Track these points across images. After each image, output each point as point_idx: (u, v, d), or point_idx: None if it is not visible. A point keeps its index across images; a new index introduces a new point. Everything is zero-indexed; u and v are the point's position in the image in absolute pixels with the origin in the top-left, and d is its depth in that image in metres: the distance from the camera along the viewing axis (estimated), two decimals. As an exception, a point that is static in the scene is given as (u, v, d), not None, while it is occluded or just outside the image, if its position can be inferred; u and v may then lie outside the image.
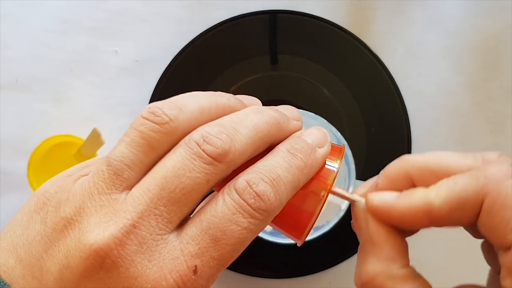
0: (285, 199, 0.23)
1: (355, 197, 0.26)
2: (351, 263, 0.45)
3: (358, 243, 0.45)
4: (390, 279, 0.23)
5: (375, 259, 0.24)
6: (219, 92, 0.26)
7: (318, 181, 0.25)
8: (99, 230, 0.21)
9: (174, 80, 0.46)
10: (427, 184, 0.24)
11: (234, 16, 0.46)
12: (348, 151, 0.40)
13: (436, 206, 0.23)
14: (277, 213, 0.23)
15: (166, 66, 0.46)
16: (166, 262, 0.21)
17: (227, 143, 0.22)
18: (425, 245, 0.44)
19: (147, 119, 0.23)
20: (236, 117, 0.24)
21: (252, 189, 0.22)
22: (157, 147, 0.23)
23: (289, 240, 0.40)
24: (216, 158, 0.22)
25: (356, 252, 0.44)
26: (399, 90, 0.46)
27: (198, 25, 0.46)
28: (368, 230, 0.25)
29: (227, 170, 0.23)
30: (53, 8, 0.46)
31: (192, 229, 0.22)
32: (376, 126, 0.45)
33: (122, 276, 0.21)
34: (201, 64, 0.46)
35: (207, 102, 0.24)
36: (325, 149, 0.26)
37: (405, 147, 0.45)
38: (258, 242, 0.41)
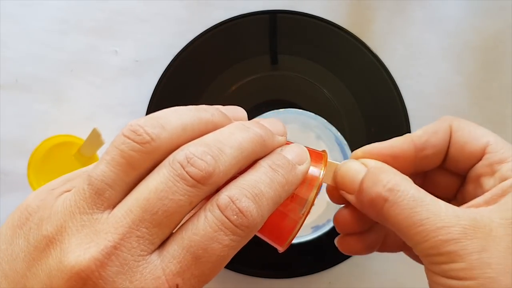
0: (266, 214, 0.23)
1: (340, 162, 0.28)
2: (351, 263, 0.45)
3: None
4: (411, 184, 0.26)
5: (390, 173, 0.27)
6: (202, 106, 0.25)
7: (300, 194, 0.26)
8: (80, 252, 0.21)
9: (174, 80, 0.46)
10: None
11: (234, 16, 0.46)
12: (348, 151, 0.40)
13: (416, 136, 0.28)
14: (259, 228, 0.23)
15: (166, 66, 0.46)
16: (147, 282, 0.21)
17: (211, 165, 0.22)
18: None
19: (128, 137, 0.22)
20: (221, 136, 0.24)
21: (235, 205, 0.22)
22: (138, 166, 0.23)
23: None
24: (200, 181, 0.22)
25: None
26: (399, 90, 0.46)
27: (198, 25, 0.46)
28: (370, 164, 0.28)
29: (210, 191, 0.23)
30: (53, 8, 0.46)
31: (173, 247, 0.22)
32: (376, 126, 0.45)
33: None
34: (201, 64, 0.46)
35: (190, 118, 0.24)
36: (305, 166, 0.26)
37: (405, 147, 0.45)
38: (258, 242, 0.41)
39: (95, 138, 0.41)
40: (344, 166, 0.28)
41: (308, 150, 0.27)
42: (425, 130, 0.29)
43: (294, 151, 0.26)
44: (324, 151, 0.28)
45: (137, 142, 0.22)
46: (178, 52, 0.46)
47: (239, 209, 0.22)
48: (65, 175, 0.26)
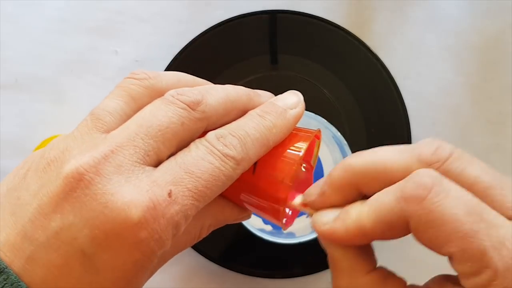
0: (253, 154, 0.25)
1: (308, 211, 0.27)
2: (351, 263, 0.44)
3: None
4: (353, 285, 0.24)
5: (338, 274, 0.25)
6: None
7: (282, 167, 0.26)
8: (79, 156, 0.22)
9: (174, 80, 0.46)
10: (370, 188, 0.24)
11: (234, 16, 0.46)
12: (348, 151, 0.40)
13: (369, 229, 0.23)
14: (247, 166, 0.25)
15: (166, 66, 0.46)
16: (142, 183, 0.22)
17: (199, 95, 0.25)
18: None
19: (128, 77, 0.26)
20: (208, 86, 0.27)
21: (220, 140, 0.24)
22: (137, 98, 0.25)
23: (289, 240, 0.40)
24: (189, 105, 0.24)
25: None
26: (399, 90, 0.46)
27: (198, 25, 0.46)
28: (324, 247, 0.26)
29: (201, 122, 0.25)
30: (53, 8, 0.46)
31: (166, 163, 0.23)
32: (376, 126, 0.45)
33: (99, 192, 0.21)
34: (201, 64, 0.46)
35: (185, 77, 0.27)
36: (297, 110, 0.27)
37: (405, 147, 0.45)
38: (258, 242, 0.41)
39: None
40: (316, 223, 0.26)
41: (300, 130, 0.27)
42: (377, 223, 0.23)
43: (286, 98, 0.28)
44: (318, 130, 0.29)
45: (136, 79, 0.25)
46: (178, 52, 0.46)
47: (223, 144, 0.24)
48: None
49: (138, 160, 0.23)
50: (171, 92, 0.25)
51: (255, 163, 0.26)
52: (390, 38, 0.47)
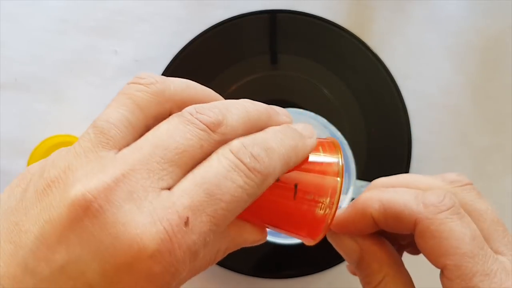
0: (278, 170, 0.23)
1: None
2: (351, 263, 0.44)
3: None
4: (396, 276, 0.26)
5: (375, 264, 0.26)
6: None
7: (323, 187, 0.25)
8: (86, 179, 0.20)
9: (174, 80, 0.46)
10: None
11: (234, 16, 0.46)
12: (348, 151, 0.40)
13: (376, 215, 0.25)
14: (271, 183, 0.23)
15: (166, 66, 0.46)
16: (156, 210, 0.20)
17: (220, 115, 0.22)
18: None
19: (133, 82, 0.23)
20: (227, 101, 0.24)
21: (247, 149, 0.22)
22: (143, 106, 0.23)
23: (288, 240, 0.40)
24: (209, 126, 0.22)
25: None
26: (399, 90, 0.46)
27: (198, 25, 0.46)
28: (354, 246, 0.27)
29: (219, 144, 0.22)
30: (53, 7, 0.46)
31: (184, 183, 0.21)
32: (376, 126, 0.45)
33: (109, 222, 0.19)
34: (200, 64, 0.46)
35: (195, 84, 0.25)
36: (313, 140, 0.26)
37: (405, 147, 0.45)
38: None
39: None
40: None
41: (318, 149, 0.27)
42: (390, 206, 0.25)
43: (302, 125, 0.26)
44: (333, 139, 0.28)
45: (142, 84, 0.23)
46: (178, 52, 0.46)
47: (251, 154, 0.22)
48: None
49: (152, 185, 0.20)
50: (190, 109, 0.22)
51: (295, 188, 0.24)
52: (391, 38, 0.47)
